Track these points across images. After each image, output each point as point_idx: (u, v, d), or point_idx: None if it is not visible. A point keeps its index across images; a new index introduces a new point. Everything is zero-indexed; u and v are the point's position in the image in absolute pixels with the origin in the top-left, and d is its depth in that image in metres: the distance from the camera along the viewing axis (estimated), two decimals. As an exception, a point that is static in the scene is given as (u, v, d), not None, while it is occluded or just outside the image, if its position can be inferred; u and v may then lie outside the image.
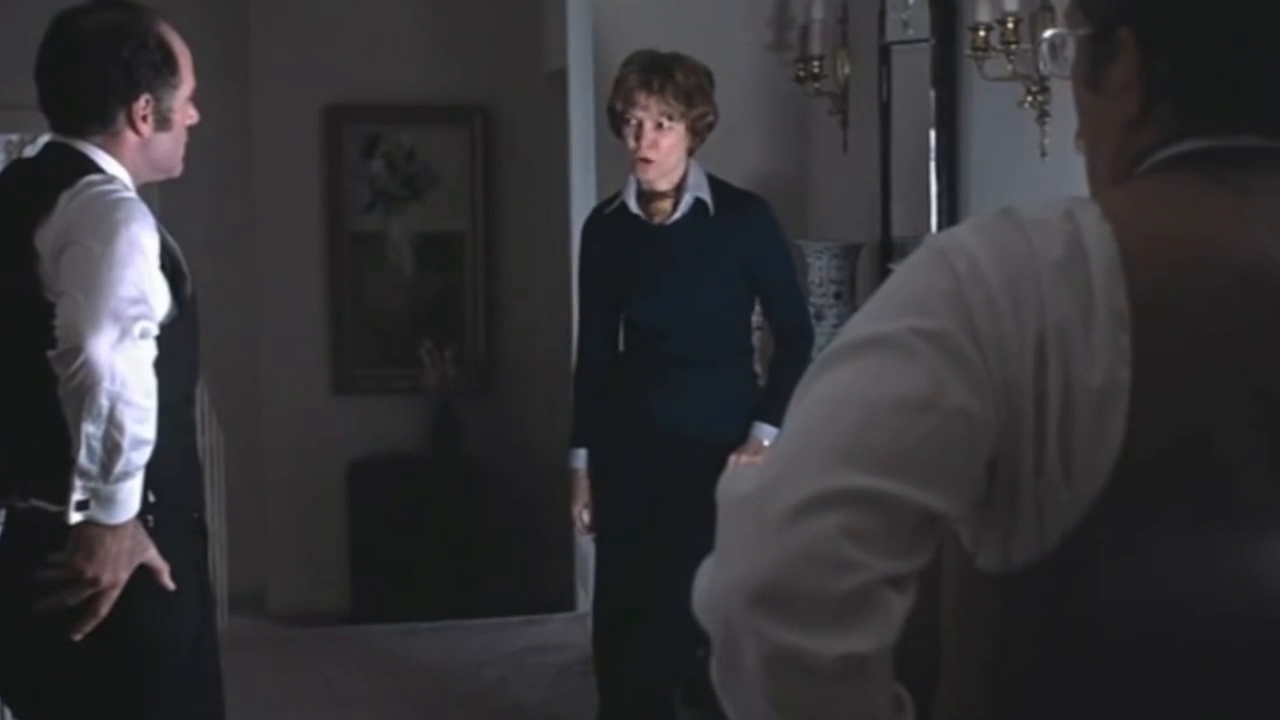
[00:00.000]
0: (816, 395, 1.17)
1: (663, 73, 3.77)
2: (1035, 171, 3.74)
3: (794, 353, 3.87)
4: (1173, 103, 1.25)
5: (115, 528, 2.43)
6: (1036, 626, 1.19)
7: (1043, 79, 3.70)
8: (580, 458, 4.01)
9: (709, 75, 3.87)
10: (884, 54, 4.70)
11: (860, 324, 1.20)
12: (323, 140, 6.71)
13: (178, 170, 2.68)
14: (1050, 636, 1.19)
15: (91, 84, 2.54)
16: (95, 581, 2.44)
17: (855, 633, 1.08)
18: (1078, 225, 1.18)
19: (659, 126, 3.75)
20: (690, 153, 3.84)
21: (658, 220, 3.85)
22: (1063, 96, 3.52)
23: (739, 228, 3.81)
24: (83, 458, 2.37)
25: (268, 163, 6.62)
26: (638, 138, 3.77)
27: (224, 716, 2.75)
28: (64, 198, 2.44)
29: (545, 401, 6.66)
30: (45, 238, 2.43)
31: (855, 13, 4.89)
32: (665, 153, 3.77)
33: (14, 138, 7.90)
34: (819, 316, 4.69)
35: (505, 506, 6.68)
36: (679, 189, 3.84)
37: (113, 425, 2.36)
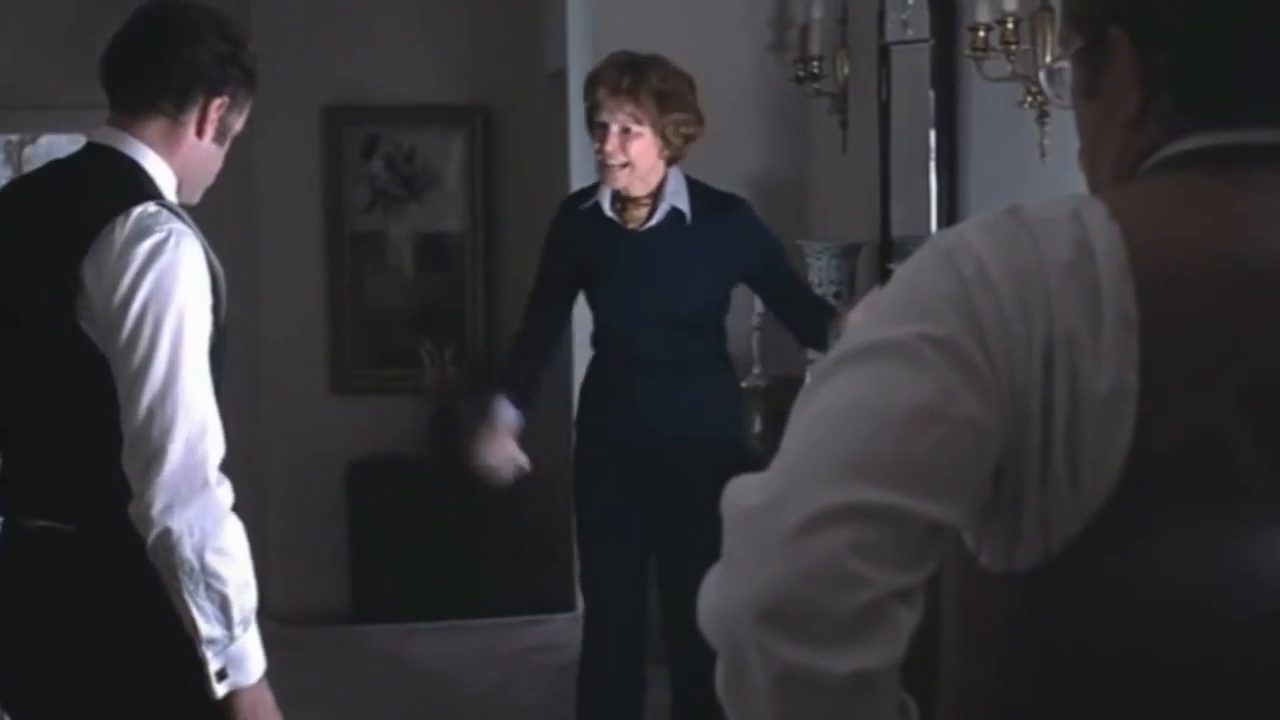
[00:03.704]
0: (822, 403, 1.15)
1: (635, 73, 3.67)
2: (1035, 172, 3.73)
3: (809, 295, 3.96)
4: (1172, 97, 1.24)
5: (260, 681, 2.44)
6: (1040, 624, 1.19)
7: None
8: (505, 407, 3.89)
9: (690, 82, 3.77)
10: (883, 54, 4.70)
11: (865, 328, 1.18)
12: (322, 141, 6.70)
13: (197, 198, 2.62)
14: (1054, 634, 1.18)
15: (187, 64, 2.48)
16: None
17: (865, 649, 1.07)
18: (1085, 226, 1.16)
19: (625, 130, 3.66)
20: (671, 161, 3.75)
21: (632, 226, 3.78)
22: (1064, 94, 3.53)
23: (720, 233, 3.74)
24: (201, 625, 2.33)
25: (267, 163, 6.62)
26: (604, 141, 3.68)
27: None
28: (119, 224, 2.35)
29: (544, 402, 6.65)
30: (93, 272, 2.34)
31: (855, 13, 4.89)
32: (634, 158, 3.67)
33: (14, 138, 7.89)
34: (819, 317, 4.69)
35: (505, 507, 6.67)
36: (655, 196, 3.75)
37: (210, 577, 2.32)
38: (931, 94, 4.35)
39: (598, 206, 3.82)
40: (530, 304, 4.04)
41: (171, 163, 2.51)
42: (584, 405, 4.03)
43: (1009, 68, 3.74)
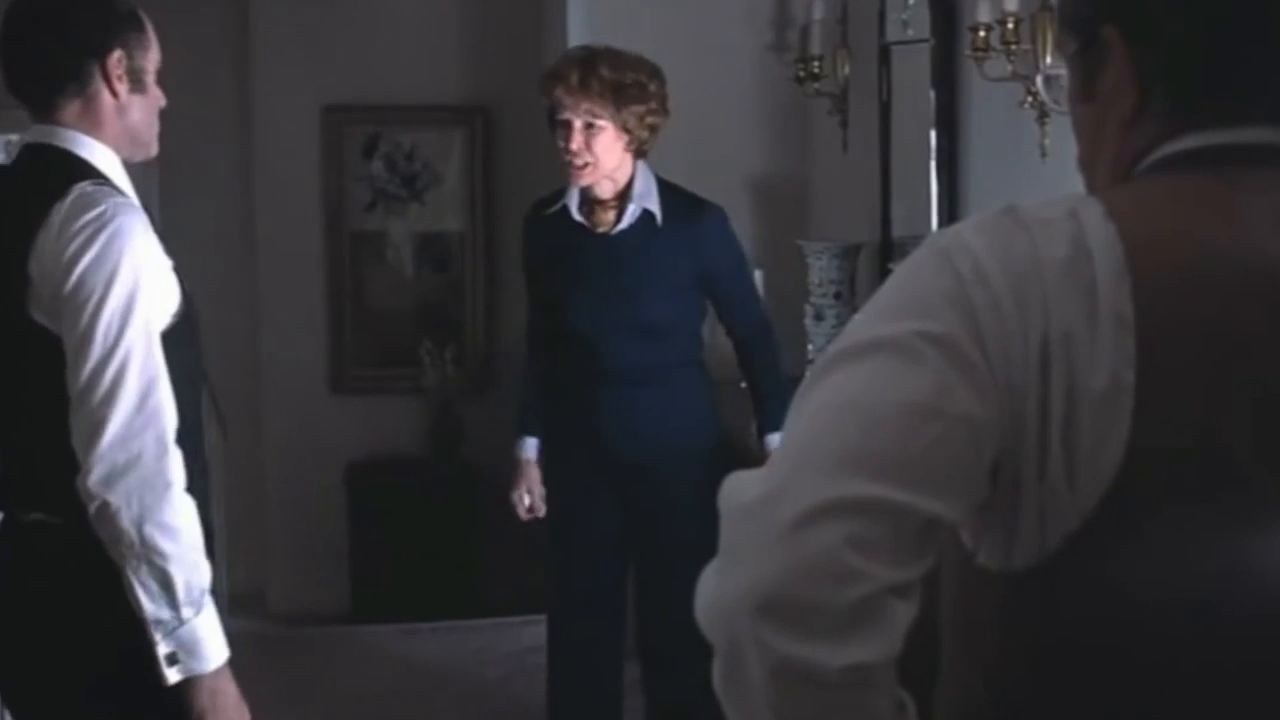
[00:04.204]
0: (819, 400, 1.15)
1: (584, 68, 3.55)
2: (1035, 172, 3.73)
3: (758, 347, 3.78)
4: (1167, 96, 1.24)
5: (219, 671, 2.37)
6: (1038, 623, 1.19)
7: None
8: (529, 446, 3.89)
9: (651, 71, 3.63)
10: (884, 54, 4.70)
11: (862, 326, 1.19)
12: (323, 140, 6.70)
13: (154, 148, 2.59)
14: (1052, 633, 1.18)
15: (64, 42, 2.47)
16: None
17: (861, 643, 1.07)
18: (1081, 225, 1.17)
19: (588, 127, 3.54)
20: (638, 155, 3.63)
21: (601, 230, 3.65)
22: (1062, 99, 3.52)
23: (689, 238, 3.62)
24: (145, 604, 2.29)
25: (268, 163, 6.62)
26: (567, 139, 3.56)
27: None
28: (55, 211, 2.36)
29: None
30: (37, 260, 2.35)
31: (855, 13, 4.89)
32: (598, 155, 3.54)
33: (14, 138, 7.89)
34: (819, 317, 4.69)
35: (505, 507, 6.65)
36: (623, 197, 3.63)
37: (151, 554, 2.28)
38: (932, 94, 4.35)
39: (565, 210, 3.69)
40: (530, 327, 3.95)
41: (103, 136, 2.50)
42: (548, 416, 3.88)
43: (1009, 68, 3.74)
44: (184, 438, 2.40)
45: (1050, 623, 1.18)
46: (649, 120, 3.61)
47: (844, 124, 5.00)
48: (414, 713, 4.89)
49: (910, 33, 4.52)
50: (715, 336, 4.05)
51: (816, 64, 4.86)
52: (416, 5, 6.65)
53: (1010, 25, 3.70)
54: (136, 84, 2.52)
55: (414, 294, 6.84)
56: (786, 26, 5.17)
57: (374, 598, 6.44)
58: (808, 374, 1.20)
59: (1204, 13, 1.21)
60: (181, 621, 2.32)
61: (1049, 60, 3.59)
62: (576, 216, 3.67)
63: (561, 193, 3.75)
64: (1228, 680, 1.17)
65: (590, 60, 3.59)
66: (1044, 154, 3.69)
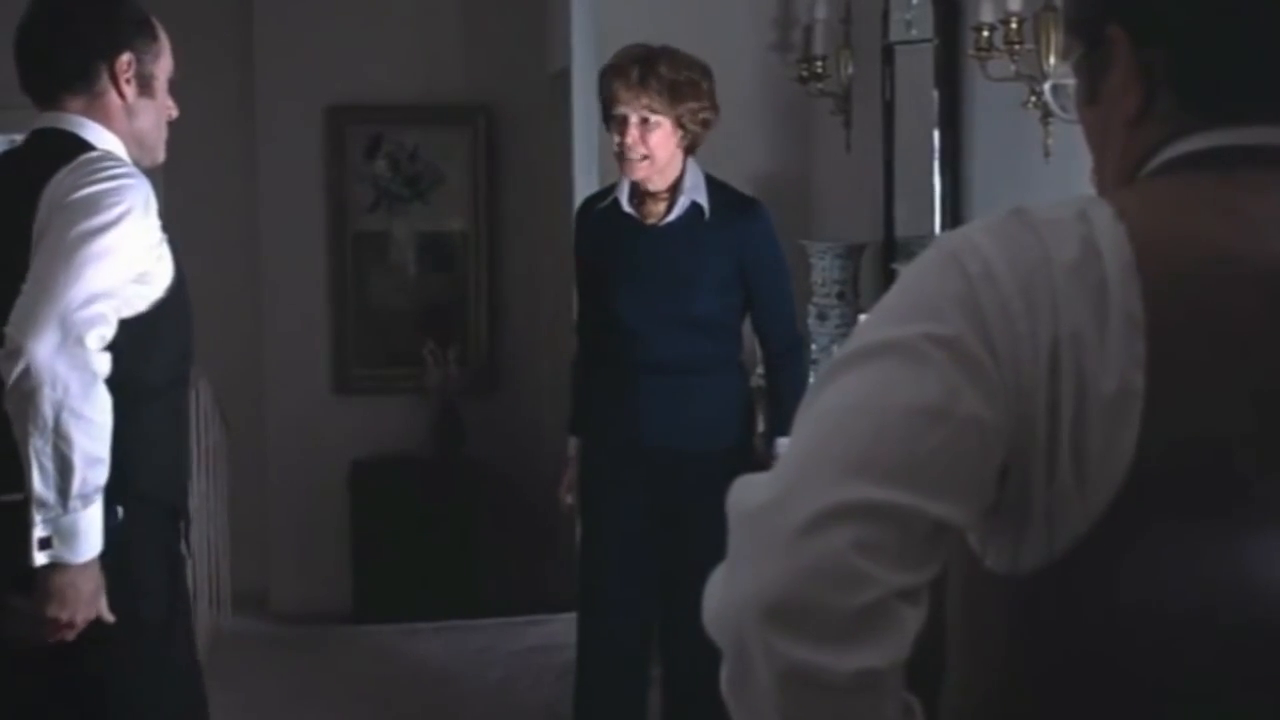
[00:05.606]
0: (826, 403, 1.14)
1: (643, 65, 3.65)
2: (1038, 172, 3.73)
3: (788, 363, 3.80)
4: (1173, 95, 1.23)
5: (84, 566, 2.33)
6: (1046, 628, 1.18)
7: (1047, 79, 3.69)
8: (573, 445, 3.95)
9: (704, 70, 3.74)
10: (887, 54, 4.70)
11: (871, 328, 1.18)
12: (326, 140, 6.70)
13: (161, 154, 2.64)
14: (1060, 638, 1.18)
15: (73, 41, 2.53)
16: (71, 625, 2.35)
17: (869, 648, 1.06)
18: (1091, 226, 1.16)
19: (644, 122, 3.63)
20: (689, 151, 3.72)
21: (651, 221, 3.74)
22: (1070, 106, 3.52)
23: (734, 233, 3.70)
24: (36, 482, 2.27)
25: (271, 163, 6.62)
26: (623, 134, 3.65)
27: (205, 707, 2.71)
28: (61, 170, 2.40)
29: (548, 401, 6.66)
30: (41, 213, 2.39)
31: (858, 13, 4.89)
32: (653, 150, 3.64)
33: (16, 138, 7.89)
34: (822, 317, 4.68)
35: (508, 506, 6.68)
36: (674, 190, 3.72)
37: (60, 438, 2.26)
38: (935, 94, 4.35)
39: (615, 203, 3.77)
40: (580, 322, 3.99)
41: (113, 128, 2.54)
42: (587, 407, 3.93)
43: (1012, 68, 3.74)
44: (167, 408, 2.42)
45: (1057, 626, 1.18)
46: (702, 116, 3.71)
47: (847, 124, 5.00)
48: (415, 713, 4.89)
49: (913, 33, 4.52)
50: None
51: (819, 64, 4.86)
52: (418, 5, 6.65)
53: (1013, 25, 3.69)
54: (145, 89, 2.57)
55: (417, 294, 6.85)
56: (790, 26, 5.17)
57: (376, 597, 6.44)
58: (814, 377, 1.20)
59: (1209, 12, 1.21)
60: (66, 512, 2.30)
61: (1052, 61, 3.58)
62: (627, 208, 3.76)
63: (612, 188, 3.84)
64: (1229, 687, 1.16)
65: (649, 58, 3.68)
66: (1047, 154, 3.69)
